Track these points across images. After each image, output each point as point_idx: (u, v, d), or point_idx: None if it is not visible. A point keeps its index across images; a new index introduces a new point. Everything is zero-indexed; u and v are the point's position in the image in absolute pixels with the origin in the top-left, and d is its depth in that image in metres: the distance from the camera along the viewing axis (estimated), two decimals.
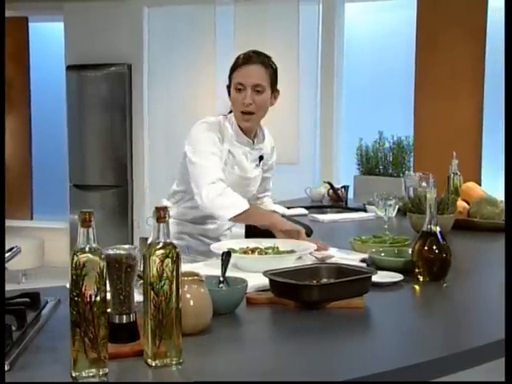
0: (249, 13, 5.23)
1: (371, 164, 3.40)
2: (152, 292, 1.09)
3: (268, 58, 2.15)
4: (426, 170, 3.28)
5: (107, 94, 5.60)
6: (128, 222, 5.67)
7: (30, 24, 6.08)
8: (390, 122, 4.66)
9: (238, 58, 2.16)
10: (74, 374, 1.05)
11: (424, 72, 4.67)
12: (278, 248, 1.83)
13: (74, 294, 1.05)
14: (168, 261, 1.10)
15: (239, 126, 2.15)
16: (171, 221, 2.15)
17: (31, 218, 6.25)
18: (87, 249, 1.05)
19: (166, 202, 2.29)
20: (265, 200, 2.48)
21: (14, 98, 6.14)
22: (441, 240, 1.65)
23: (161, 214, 1.10)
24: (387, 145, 3.35)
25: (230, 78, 2.16)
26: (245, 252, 1.79)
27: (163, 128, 5.56)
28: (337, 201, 3.64)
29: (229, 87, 2.17)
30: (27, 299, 1.38)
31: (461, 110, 4.58)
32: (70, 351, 1.06)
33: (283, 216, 2.26)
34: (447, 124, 4.58)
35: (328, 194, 3.73)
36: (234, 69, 2.14)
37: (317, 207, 3.49)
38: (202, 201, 2.01)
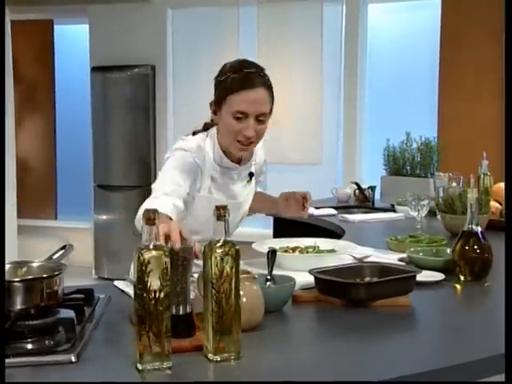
0: (272, 14, 5.26)
1: (398, 164, 3.41)
2: (213, 289, 1.12)
3: (264, 72, 1.82)
4: (451, 170, 3.29)
5: (131, 95, 5.65)
6: None
7: (56, 26, 6.16)
8: (414, 122, 4.65)
9: (227, 73, 1.80)
10: (139, 367, 1.08)
11: (448, 72, 4.68)
12: (318, 247, 1.85)
13: (140, 290, 1.08)
14: (228, 258, 1.13)
15: (223, 151, 1.87)
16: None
17: (55, 218, 6.33)
18: (151, 246, 1.09)
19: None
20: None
21: (38, 99, 6.23)
22: (482, 240, 1.67)
23: (221, 213, 1.13)
24: (414, 145, 3.36)
25: (220, 98, 1.81)
26: (285, 251, 1.82)
27: (186, 129, 5.53)
28: (363, 201, 3.67)
29: (215, 105, 1.85)
30: (82, 295, 1.42)
31: (485, 110, 4.58)
32: (135, 345, 1.10)
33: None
34: (472, 124, 4.58)
35: (354, 195, 3.76)
36: (228, 91, 1.77)
37: (344, 207, 3.52)
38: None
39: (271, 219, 3.59)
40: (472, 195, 1.69)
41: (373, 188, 3.64)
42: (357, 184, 3.68)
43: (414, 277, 1.50)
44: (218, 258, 1.13)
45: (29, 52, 6.11)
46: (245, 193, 1.99)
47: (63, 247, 1.50)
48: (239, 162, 1.93)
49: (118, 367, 1.12)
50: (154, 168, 5.68)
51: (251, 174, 1.99)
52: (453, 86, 4.66)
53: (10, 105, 5.23)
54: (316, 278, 1.51)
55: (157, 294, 1.08)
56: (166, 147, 5.63)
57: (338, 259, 1.81)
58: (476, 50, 4.58)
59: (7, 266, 1.33)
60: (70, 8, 5.74)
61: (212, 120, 1.93)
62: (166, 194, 1.73)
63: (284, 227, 3.20)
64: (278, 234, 3.46)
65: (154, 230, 1.09)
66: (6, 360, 1.12)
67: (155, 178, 6.32)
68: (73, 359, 1.13)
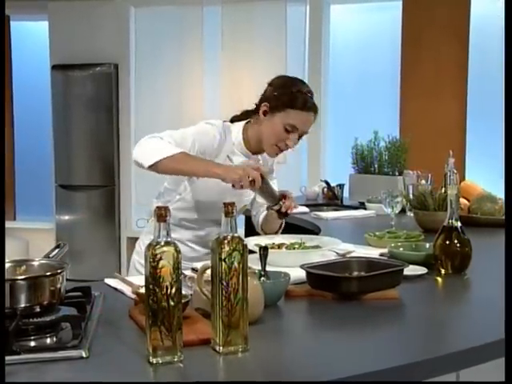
0: (236, 13, 5.29)
1: (366, 163, 3.49)
2: (221, 284, 1.15)
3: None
4: (414, 168, 3.40)
5: (93, 94, 5.59)
6: (115, 223, 5.67)
7: (12, 23, 6.02)
8: (377, 121, 4.77)
9: (294, 91, 1.99)
10: (152, 361, 1.10)
11: (409, 72, 4.81)
12: (304, 243, 1.90)
13: (152, 285, 1.10)
14: (236, 254, 1.16)
15: (243, 138, 2.07)
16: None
17: (14, 219, 6.19)
18: (163, 242, 1.11)
19: (155, 202, 2.17)
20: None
21: None
22: (462, 235, 1.75)
23: (229, 210, 1.16)
24: (382, 144, 3.45)
25: (279, 107, 1.98)
26: (272, 247, 1.86)
27: (150, 128, 5.51)
28: (332, 199, 3.74)
29: (270, 110, 2.01)
30: (80, 293, 1.43)
31: (446, 109, 4.73)
32: (147, 339, 1.12)
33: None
34: (433, 123, 4.72)
35: (323, 193, 3.84)
36: (291, 105, 1.97)
37: (313, 205, 3.59)
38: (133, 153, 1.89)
39: (243, 217, 3.62)
40: (452, 191, 1.76)
41: (341, 186, 3.72)
42: (326, 182, 3.75)
43: (402, 271, 1.56)
44: (227, 254, 1.16)
45: None
46: None
47: (58, 246, 1.50)
48: (254, 153, 2.11)
49: (129, 361, 1.14)
50: (118, 167, 5.64)
51: None
52: (414, 86, 4.80)
53: None
54: (308, 273, 1.55)
55: (169, 290, 1.10)
56: (129, 146, 5.59)
57: (322, 255, 1.86)
58: (436, 50, 4.73)
59: (6, 265, 1.32)
60: (29, 4, 5.63)
61: (238, 116, 2.13)
62: (169, 142, 1.88)
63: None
64: (250, 233, 3.51)
65: (166, 226, 1.11)
66: (17, 356, 1.12)
67: (119, 178, 6.23)
68: (84, 355, 1.14)
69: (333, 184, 3.76)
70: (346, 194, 3.75)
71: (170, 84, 5.51)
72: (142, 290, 1.39)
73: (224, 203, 1.17)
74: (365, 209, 3.22)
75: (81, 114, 5.63)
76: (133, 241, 5.76)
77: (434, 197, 2.50)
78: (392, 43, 4.99)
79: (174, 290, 1.11)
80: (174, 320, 1.11)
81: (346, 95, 5.29)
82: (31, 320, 1.22)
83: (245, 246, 1.17)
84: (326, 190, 3.78)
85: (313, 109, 2.00)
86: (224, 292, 1.15)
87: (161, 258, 1.10)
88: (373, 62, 5.18)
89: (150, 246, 1.11)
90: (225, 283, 1.15)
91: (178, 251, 1.11)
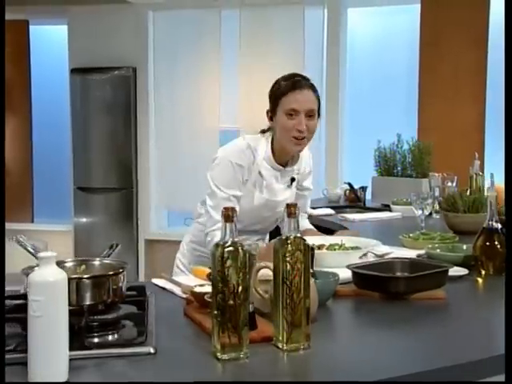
0: (254, 17, 5.33)
1: (389, 165, 3.51)
2: (284, 284, 1.18)
3: (310, 80, 2.10)
4: (435, 170, 3.42)
5: (112, 97, 5.64)
6: (133, 225, 5.71)
7: (31, 27, 6.09)
8: (394, 124, 4.81)
9: (279, 82, 2.07)
10: (221, 357, 1.13)
11: (427, 75, 4.83)
12: (344, 244, 1.93)
13: (220, 284, 1.13)
14: (298, 253, 1.19)
15: (272, 151, 2.10)
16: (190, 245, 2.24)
17: (32, 221, 6.24)
18: (230, 242, 1.14)
19: (199, 207, 2.23)
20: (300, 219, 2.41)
21: (14, 100, 6.14)
22: (502, 236, 1.77)
23: (291, 211, 1.19)
24: (406, 147, 3.48)
25: (274, 103, 2.06)
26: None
27: (168, 130, 5.62)
28: (354, 201, 3.77)
29: (271, 112, 2.08)
30: (135, 292, 1.46)
31: (464, 113, 4.75)
32: (214, 336, 1.15)
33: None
34: (451, 125, 4.74)
35: (345, 195, 3.86)
36: (280, 95, 2.04)
37: (337, 208, 3.61)
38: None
39: None
40: (492, 194, 1.78)
41: (364, 188, 3.74)
42: (349, 184, 3.78)
43: (447, 271, 1.59)
44: (290, 254, 1.19)
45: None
46: (285, 195, 2.15)
47: (111, 246, 1.53)
48: (284, 165, 2.14)
49: (195, 358, 1.17)
50: (136, 170, 5.68)
51: (292, 179, 2.18)
52: (432, 89, 4.82)
53: None
54: (355, 273, 1.58)
55: (236, 288, 1.13)
56: (147, 149, 5.65)
57: (362, 256, 1.89)
58: (455, 53, 4.74)
59: (69, 264, 1.36)
60: (49, 9, 5.69)
61: (269, 127, 2.13)
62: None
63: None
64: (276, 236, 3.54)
65: (233, 227, 1.14)
66: (87, 351, 1.15)
67: (137, 180, 6.28)
68: (151, 351, 1.17)
69: (354, 186, 3.79)
70: (368, 196, 3.78)
71: (187, 87, 5.54)
72: (197, 290, 1.43)
73: (287, 204, 1.20)
74: (389, 211, 3.25)
75: (99, 117, 5.68)
76: (151, 243, 5.81)
77: (463, 199, 2.52)
78: (409, 46, 5.02)
79: (240, 289, 1.14)
80: (241, 318, 1.14)
81: (363, 98, 5.32)
82: (96, 317, 1.25)
83: (307, 246, 1.20)
84: (348, 192, 3.81)
85: (302, 86, 2.02)
86: (287, 291, 1.18)
87: (228, 258, 1.13)
88: (390, 65, 5.20)
89: (218, 246, 1.14)
90: (288, 282, 1.18)
91: (244, 251, 1.14)
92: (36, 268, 1.31)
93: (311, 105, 2.02)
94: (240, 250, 1.14)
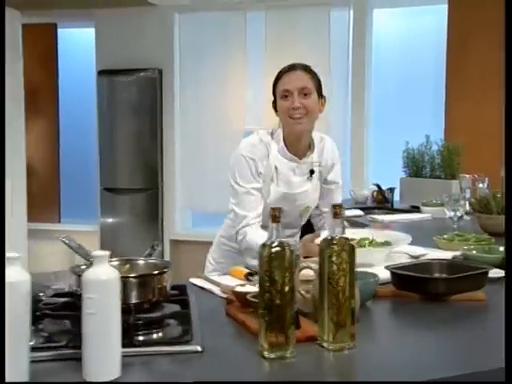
0: (279, 18, 5.34)
1: (418, 167, 3.50)
2: (330, 284, 1.19)
3: (310, 66, 2.14)
4: (464, 171, 3.40)
5: (138, 99, 5.69)
6: (158, 225, 5.75)
7: (59, 30, 6.17)
8: (420, 124, 4.80)
9: (279, 71, 2.14)
10: (268, 356, 1.15)
11: (455, 76, 4.80)
12: (374, 239, 1.93)
13: (267, 283, 1.15)
14: (344, 254, 1.20)
15: (285, 143, 2.12)
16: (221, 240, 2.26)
17: (59, 221, 6.32)
18: (277, 242, 1.16)
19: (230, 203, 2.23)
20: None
21: (41, 102, 6.22)
22: None
23: (336, 211, 1.20)
24: (435, 148, 3.46)
25: (274, 90, 2.13)
26: None
27: (193, 132, 5.66)
28: (382, 202, 3.76)
29: (274, 102, 2.14)
30: (177, 291, 1.48)
31: (492, 113, 4.71)
32: (261, 335, 1.16)
33: None
34: (479, 126, 4.70)
35: (372, 196, 3.86)
36: (276, 80, 2.12)
37: (365, 209, 3.61)
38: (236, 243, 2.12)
39: None
40: None
41: (392, 189, 3.73)
42: (378, 185, 3.77)
43: (487, 273, 1.59)
44: (335, 254, 1.20)
45: (31, 56, 6.10)
46: (304, 188, 2.15)
47: (152, 246, 1.55)
48: (301, 157, 2.15)
49: (242, 356, 1.19)
50: (161, 171, 5.72)
51: (311, 171, 2.17)
52: (460, 90, 4.78)
53: (22, 109, 5.24)
54: (394, 274, 1.58)
55: (282, 288, 1.15)
56: (172, 150, 5.69)
57: (395, 258, 1.89)
58: (482, 55, 4.71)
59: (114, 263, 1.38)
60: (76, 12, 5.76)
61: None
62: (249, 223, 2.05)
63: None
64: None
65: (279, 227, 1.15)
66: (136, 349, 1.17)
67: (162, 181, 6.32)
68: (199, 349, 1.19)
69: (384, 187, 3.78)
70: (395, 197, 3.77)
71: (213, 88, 5.57)
72: (238, 289, 1.44)
73: (332, 205, 1.21)
74: (418, 212, 3.24)
75: (125, 118, 5.74)
76: (176, 244, 5.84)
77: (496, 200, 2.50)
78: (436, 47, 4.99)
79: (287, 289, 1.15)
80: (288, 317, 1.15)
81: (388, 99, 5.31)
82: (142, 315, 1.27)
83: (352, 247, 1.21)
84: (376, 193, 3.80)
85: (295, 67, 2.08)
86: (333, 291, 1.19)
87: (275, 258, 1.15)
88: (416, 66, 5.18)
89: (265, 246, 1.15)
90: (334, 283, 1.19)
91: (291, 251, 1.16)
92: (83, 266, 1.35)
93: (304, 83, 2.05)
94: (287, 250, 1.15)
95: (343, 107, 5.29)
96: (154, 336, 1.28)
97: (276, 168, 2.10)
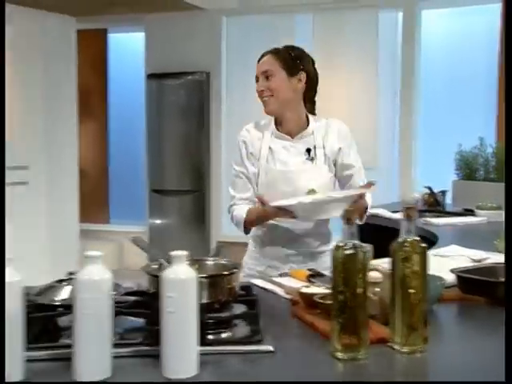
0: (327, 21, 5.34)
1: (471, 169, 3.45)
2: (403, 287, 1.19)
3: (285, 47, 2.19)
4: None
5: (186, 102, 5.76)
6: (205, 227, 5.81)
7: (109, 35, 6.30)
8: (470, 127, 4.73)
9: None
10: (342, 357, 1.16)
11: None
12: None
13: (340, 285, 1.16)
14: (416, 256, 1.20)
15: (275, 123, 2.19)
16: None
17: (108, 222, 6.46)
18: (351, 244, 1.16)
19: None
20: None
21: (92, 105, 6.37)
22: None
23: (409, 213, 1.20)
24: (490, 150, 3.41)
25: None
26: None
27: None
28: (433, 205, 3.72)
29: None
30: (243, 291, 1.50)
31: None
32: (334, 336, 1.17)
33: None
34: None
35: (424, 199, 3.81)
36: None
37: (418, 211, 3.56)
38: None
39: None
40: None
41: (444, 192, 3.69)
42: (429, 188, 3.73)
43: None
44: (407, 257, 1.19)
45: (83, 60, 6.26)
46: (303, 167, 2.15)
47: (217, 246, 1.58)
48: (292, 135, 2.19)
49: (314, 357, 1.20)
50: (208, 172, 5.78)
51: (308, 150, 2.16)
52: None
53: (74, 111, 5.38)
54: (460, 278, 1.57)
55: (355, 289, 1.15)
56: (219, 152, 5.74)
57: (458, 263, 1.87)
58: None
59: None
60: (127, 17, 5.87)
61: None
62: (235, 203, 2.19)
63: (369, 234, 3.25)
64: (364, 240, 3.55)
65: (353, 229, 1.16)
66: (209, 348, 1.19)
67: (209, 183, 6.36)
68: (271, 349, 1.20)
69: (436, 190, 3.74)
70: (447, 200, 3.72)
71: None
72: (304, 290, 1.45)
73: (405, 207, 1.21)
74: (473, 215, 3.19)
75: (173, 120, 5.82)
76: (223, 245, 5.87)
77: None
78: (488, 46, 4.91)
79: (360, 290, 1.16)
80: (361, 318, 1.16)
81: (438, 100, 5.24)
82: (213, 315, 1.29)
83: (424, 249, 1.21)
84: (427, 196, 3.76)
85: (264, 55, 2.16)
86: (405, 294, 1.19)
87: (348, 260, 1.15)
88: (467, 67, 5.11)
89: (338, 248, 1.16)
90: (406, 285, 1.19)
91: (364, 252, 1.16)
92: (154, 266, 1.38)
93: (266, 66, 2.13)
94: (360, 252, 1.16)
95: (391, 108, 5.25)
96: (224, 335, 1.30)
97: (270, 148, 2.17)
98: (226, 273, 1.35)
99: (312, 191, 2.08)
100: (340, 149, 2.17)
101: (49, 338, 1.28)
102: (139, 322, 1.33)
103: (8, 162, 4.50)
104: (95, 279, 1.09)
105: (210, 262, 1.45)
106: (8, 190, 4.57)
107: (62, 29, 5.12)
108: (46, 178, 5.04)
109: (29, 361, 1.12)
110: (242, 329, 1.32)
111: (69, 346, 1.16)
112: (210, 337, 1.28)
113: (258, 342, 1.23)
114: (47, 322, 1.35)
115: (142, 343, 1.21)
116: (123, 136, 6.34)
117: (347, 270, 1.15)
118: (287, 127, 2.18)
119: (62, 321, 1.36)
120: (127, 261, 5.90)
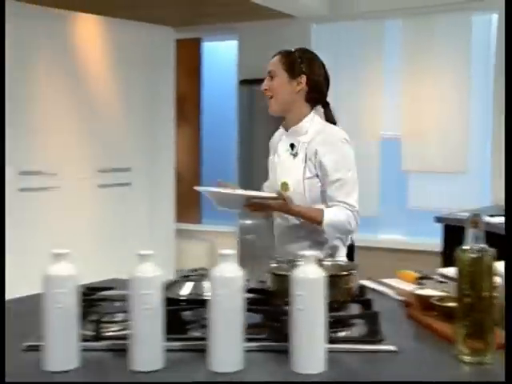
0: (417, 25, 5.27)
1: None
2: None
3: (296, 50, 2.35)
4: None
5: None
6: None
7: (204, 44, 6.51)
8: None
9: None
10: (466, 360, 1.18)
11: None
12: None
13: (466, 288, 1.18)
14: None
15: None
16: None
17: (200, 222, 6.66)
18: (476, 248, 1.18)
19: None
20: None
21: (186, 111, 6.58)
22: None
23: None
24: None
25: None
26: None
27: None
28: None
29: None
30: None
31: None
32: (460, 340, 1.19)
33: None
34: None
35: None
36: None
37: None
38: None
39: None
40: None
41: None
42: None
43: None
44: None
45: (179, 68, 6.48)
46: (284, 160, 2.29)
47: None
48: (286, 128, 2.33)
49: (437, 359, 1.22)
50: None
51: (292, 145, 2.26)
52: None
53: (171, 117, 5.60)
54: None
55: (481, 293, 1.17)
56: None
57: None
58: None
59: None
60: (221, 26, 6.05)
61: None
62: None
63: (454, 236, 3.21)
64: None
65: (479, 233, 1.18)
66: (332, 345, 1.23)
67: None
68: (394, 349, 1.24)
69: None
70: None
71: (348, 96, 5.59)
72: (419, 292, 1.48)
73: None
74: None
75: (264, 125, 5.91)
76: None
77: None
78: None
79: (486, 294, 1.17)
80: (487, 323, 1.17)
81: None
82: (333, 314, 1.33)
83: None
84: None
85: (274, 55, 2.33)
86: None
87: (474, 263, 1.17)
88: None
89: (464, 251, 1.18)
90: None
91: (490, 256, 1.17)
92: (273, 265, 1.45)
93: (271, 66, 2.27)
94: (486, 256, 1.18)
95: (484, 111, 5.11)
96: (342, 334, 1.34)
97: (280, 141, 2.34)
98: (345, 273, 1.40)
99: (284, 184, 2.23)
100: (316, 151, 2.19)
101: (178, 330, 1.36)
102: (255, 317, 1.37)
103: (112, 164, 4.84)
104: (227, 276, 1.17)
105: (326, 262, 1.50)
106: (113, 190, 4.86)
107: (163, 39, 5.37)
108: (146, 180, 5.29)
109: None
110: (360, 328, 1.36)
111: (198, 339, 1.25)
112: (331, 335, 1.32)
113: (380, 342, 1.26)
114: (174, 315, 1.44)
115: (267, 339, 1.27)
116: (215, 140, 6.51)
117: (473, 273, 1.17)
118: (288, 126, 2.33)
119: (185, 315, 1.45)
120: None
